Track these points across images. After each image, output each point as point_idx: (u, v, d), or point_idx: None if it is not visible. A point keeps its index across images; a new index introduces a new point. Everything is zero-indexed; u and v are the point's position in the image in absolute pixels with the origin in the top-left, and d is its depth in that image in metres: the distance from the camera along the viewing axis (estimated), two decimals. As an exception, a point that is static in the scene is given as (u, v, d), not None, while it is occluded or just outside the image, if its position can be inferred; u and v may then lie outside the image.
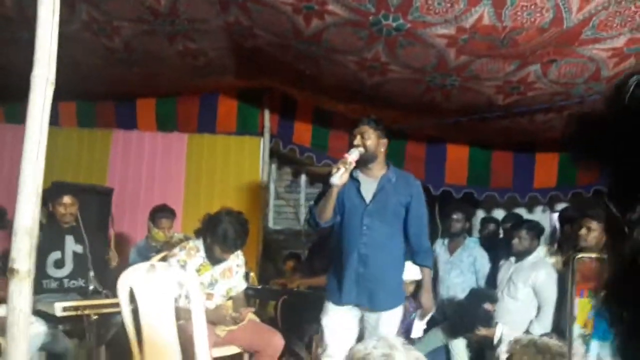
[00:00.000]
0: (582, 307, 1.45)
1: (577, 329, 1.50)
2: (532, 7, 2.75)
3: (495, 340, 3.48)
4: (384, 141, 2.94)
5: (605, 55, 3.07)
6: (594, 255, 1.70)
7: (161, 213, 4.07)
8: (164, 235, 3.97)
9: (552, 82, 3.40)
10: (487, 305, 3.73)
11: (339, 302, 2.93)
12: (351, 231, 2.91)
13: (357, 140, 2.88)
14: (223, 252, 3.13)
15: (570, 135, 0.63)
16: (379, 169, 2.95)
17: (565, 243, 4.16)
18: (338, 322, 2.96)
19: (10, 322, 1.39)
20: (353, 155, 2.81)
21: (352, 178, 2.93)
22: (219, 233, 3.06)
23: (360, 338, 2.97)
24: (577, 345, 1.51)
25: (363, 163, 2.92)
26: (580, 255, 1.52)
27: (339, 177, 2.74)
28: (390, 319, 2.92)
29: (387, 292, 2.90)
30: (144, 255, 3.82)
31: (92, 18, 3.32)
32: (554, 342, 1.80)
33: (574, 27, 2.85)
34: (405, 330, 3.28)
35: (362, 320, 2.96)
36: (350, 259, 2.89)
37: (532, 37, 2.95)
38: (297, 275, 4.79)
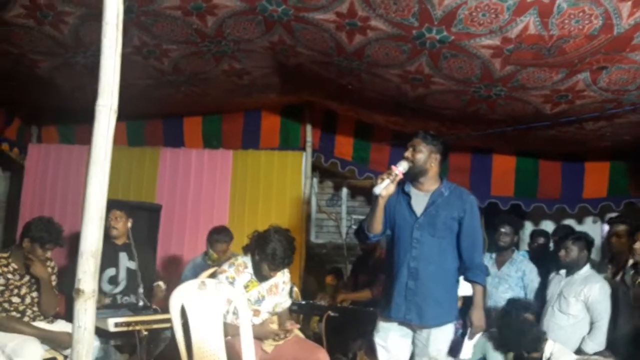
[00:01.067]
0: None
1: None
2: (580, 14, 2.70)
3: (544, 359, 3.32)
4: (436, 156, 2.88)
5: (659, 61, 2.97)
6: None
7: (217, 236, 4.12)
8: (218, 257, 4.04)
9: (602, 89, 3.31)
10: (528, 315, 3.63)
11: (388, 317, 2.90)
12: (401, 245, 2.88)
13: (408, 153, 2.86)
14: (271, 270, 3.15)
15: None
16: (431, 183, 2.90)
17: (616, 256, 4.01)
18: (390, 340, 2.92)
19: (75, 340, 1.45)
20: (400, 168, 2.80)
21: (404, 192, 2.93)
22: (268, 251, 3.09)
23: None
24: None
25: (414, 177, 2.90)
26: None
27: (381, 188, 2.74)
28: (440, 337, 2.85)
29: (437, 307, 2.83)
30: (199, 273, 3.88)
31: (143, 42, 3.44)
32: None
33: (624, 33, 2.78)
34: (450, 349, 3.20)
35: (413, 339, 2.91)
36: (400, 273, 2.86)
37: (580, 45, 2.89)
38: (340, 290, 4.78)
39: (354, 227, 5.80)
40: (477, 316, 2.83)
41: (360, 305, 4.10)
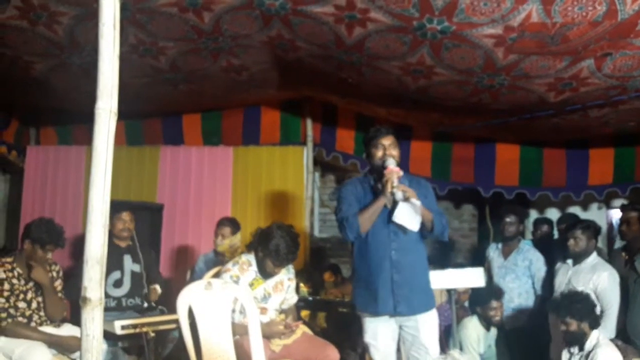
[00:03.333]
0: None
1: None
2: (584, 1, 2.65)
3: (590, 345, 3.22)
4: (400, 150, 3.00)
5: (664, 46, 2.93)
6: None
7: (223, 220, 4.16)
8: (224, 248, 4.02)
9: (607, 76, 3.26)
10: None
11: (375, 312, 2.91)
12: (379, 239, 2.89)
13: (390, 151, 2.91)
14: (275, 266, 3.13)
15: None
16: None
17: (628, 243, 3.98)
18: (380, 338, 2.94)
19: (84, 348, 1.42)
20: (392, 166, 2.83)
21: (370, 188, 2.99)
22: (271, 248, 3.07)
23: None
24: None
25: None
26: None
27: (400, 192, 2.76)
28: (429, 322, 2.91)
29: (423, 294, 2.92)
30: (211, 268, 3.88)
31: (139, 40, 3.39)
32: None
33: (629, 19, 2.73)
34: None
35: (400, 333, 2.95)
36: (383, 267, 2.86)
37: (584, 31, 2.84)
38: (339, 285, 4.76)
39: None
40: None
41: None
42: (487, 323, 3.76)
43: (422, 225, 2.85)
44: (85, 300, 1.39)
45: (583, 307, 3.22)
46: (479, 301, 3.80)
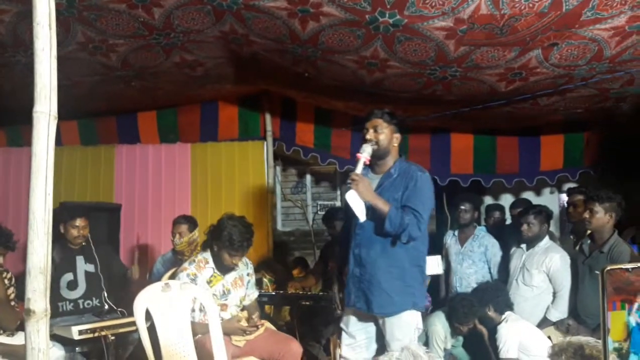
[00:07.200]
0: (615, 319, 1.37)
1: (611, 343, 1.42)
2: (530, -8, 2.71)
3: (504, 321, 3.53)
4: (398, 136, 2.77)
5: (607, 35, 3.03)
6: (629, 266, 1.60)
7: (179, 219, 4.08)
8: (182, 247, 3.96)
9: (554, 65, 3.36)
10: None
11: (345, 304, 2.88)
12: (351, 231, 2.82)
13: (370, 135, 2.70)
14: (231, 256, 3.11)
15: None
16: (388, 164, 2.77)
17: (576, 226, 4.13)
18: (352, 325, 2.85)
19: (30, 362, 1.37)
20: (365, 154, 2.63)
21: None
22: (225, 238, 3.05)
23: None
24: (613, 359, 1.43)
25: (376, 159, 2.73)
26: (610, 267, 1.43)
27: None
28: (396, 325, 2.68)
29: (384, 296, 2.67)
30: (169, 268, 3.82)
31: (88, 38, 3.29)
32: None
33: (573, 9, 2.81)
34: None
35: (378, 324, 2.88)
36: (349, 260, 2.81)
37: (531, 22, 2.92)
38: (308, 278, 4.77)
39: (320, 212, 5.81)
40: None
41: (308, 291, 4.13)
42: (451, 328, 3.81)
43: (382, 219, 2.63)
44: (29, 312, 1.33)
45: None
46: (453, 314, 3.74)
